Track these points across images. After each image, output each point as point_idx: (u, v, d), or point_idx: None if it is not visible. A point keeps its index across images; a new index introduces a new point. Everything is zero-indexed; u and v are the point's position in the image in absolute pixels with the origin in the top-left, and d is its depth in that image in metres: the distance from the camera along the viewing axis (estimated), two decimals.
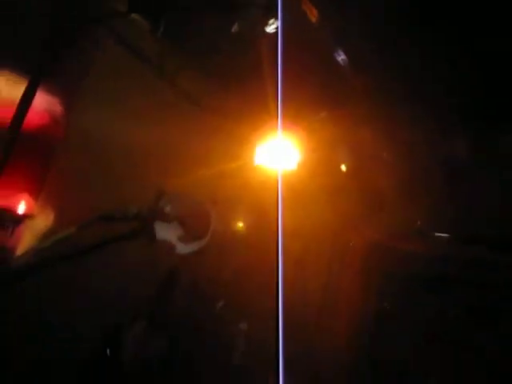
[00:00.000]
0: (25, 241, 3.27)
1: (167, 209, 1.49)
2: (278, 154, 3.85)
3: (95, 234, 1.32)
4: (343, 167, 3.83)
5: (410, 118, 3.72)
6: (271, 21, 2.75)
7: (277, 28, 2.79)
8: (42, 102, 3.26)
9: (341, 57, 3.11)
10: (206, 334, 1.72)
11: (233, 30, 2.78)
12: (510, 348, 2.43)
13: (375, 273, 3.93)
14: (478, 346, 2.74)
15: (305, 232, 4.33)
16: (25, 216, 3.17)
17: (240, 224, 1.78)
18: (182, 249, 1.53)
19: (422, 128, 3.83)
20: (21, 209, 3.16)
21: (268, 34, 2.73)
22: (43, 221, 3.35)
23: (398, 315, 3.72)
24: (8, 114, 3.12)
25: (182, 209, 1.50)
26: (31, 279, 1.15)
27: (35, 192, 3.27)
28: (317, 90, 3.64)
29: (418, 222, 3.84)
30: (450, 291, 3.61)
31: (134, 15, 3.31)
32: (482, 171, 3.71)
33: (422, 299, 3.66)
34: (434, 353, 3.55)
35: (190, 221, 1.55)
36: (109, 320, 3.16)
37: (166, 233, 1.52)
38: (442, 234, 3.78)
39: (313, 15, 2.86)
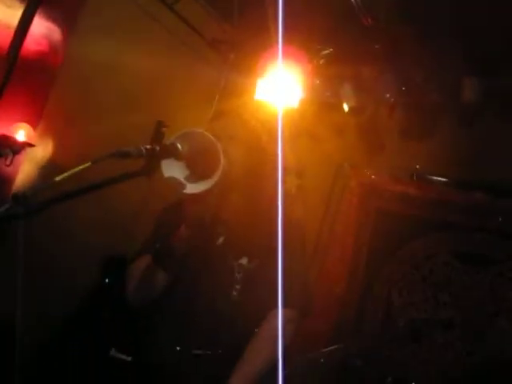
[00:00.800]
0: (24, 169, 3.26)
1: (179, 145, 1.45)
2: (280, 88, 3.79)
3: (108, 169, 1.30)
4: (345, 106, 3.77)
5: (415, 59, 3.64)
6: None
7: None
8: (41, 27, 3.15)
9: None
10: (207, 271, 1.74)
11: None
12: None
13: (372, 212, 3.98)
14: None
15: (305, 169, 4.34)
16: (24, 144, 3.13)
17: (242, 162, 1.76)
18: (190, 188, 1.51)
19: (425, 68, 3.76)
20: (20, 137, 3.11)
21: None
22: (42, 150, 3.32)
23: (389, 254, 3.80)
24: (5, 39, 3.01)
25: (192, 146, 1.47)
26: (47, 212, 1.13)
27: (35, 121, 3.22)
28: (324, 24, 3.53)
29: (417, 166, 3.85)
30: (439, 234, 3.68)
31: None
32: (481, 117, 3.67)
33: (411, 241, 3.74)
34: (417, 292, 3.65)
35: (200, 159, 1.52)
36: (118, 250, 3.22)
37: (174, 171, 1.49)
38: (441, 178, 3.80)
39: None
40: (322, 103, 3.96)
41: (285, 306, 1.72)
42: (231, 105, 2.19)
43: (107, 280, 3.48)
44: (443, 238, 3.63)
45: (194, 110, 4.04)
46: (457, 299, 3.50)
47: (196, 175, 1.56)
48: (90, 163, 1.22)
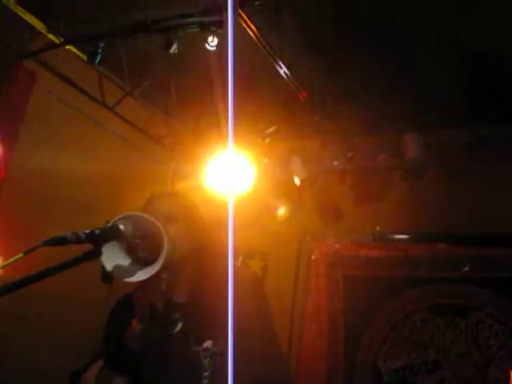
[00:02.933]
0: None
1: (122, 226, 1.39)
2: (230, 173, 3.81)
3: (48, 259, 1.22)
4: (296, 180, 3.81)
5: (354, 122, 3.75)
6: (210, 38, 2.72)
7: (217, 45, 2.77)
8: None
9: (283, 69, 3.12)
10: (170, 364, 1.62)
11: (171, 51, 2.73)
12: None
13: (340, 280, 3.91)
14: None
15: (268, 250, 4.29)
16: None
17: (184, 241, 1.70)
18: (136, 275, 1.43)
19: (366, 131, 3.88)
20: None
21: (209, 51, 2.70)
22: None
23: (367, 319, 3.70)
24: None
25: (133, 229, 1.41)
26: None
27: None
28: (264, 104, 3.63)
29: (377, 228, 3.86)
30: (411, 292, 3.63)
31: (69, 47, 3.22)
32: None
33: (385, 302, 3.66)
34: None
35: (141, 244, 1.45)
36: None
37: (116, 260, 1.42)
38: (402, 236, 3.81)
39: (252, 31, 2.85)
40: (274, 180, 3.99)
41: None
42: (165, 188, 2.16)
43: None
44: (416, 294, 3.58)
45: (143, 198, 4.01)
46: (444, 356, 3.39)
47: (139, 262, 1.48)
48: (21, 254, 1.15)
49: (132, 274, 1.46)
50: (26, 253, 1.14)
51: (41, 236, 3.53)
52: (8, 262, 1.12)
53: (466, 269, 3.45)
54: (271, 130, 3.88)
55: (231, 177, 3.76)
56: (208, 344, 1.65)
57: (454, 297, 3.47)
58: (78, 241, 1.24)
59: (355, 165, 3.89)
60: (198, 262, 1.71)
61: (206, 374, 1.61)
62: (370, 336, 3.63)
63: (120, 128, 3.88)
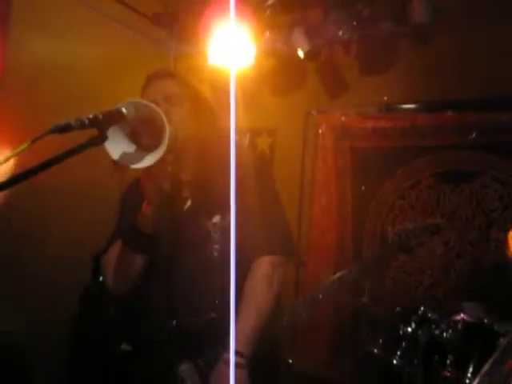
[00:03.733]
0: None
1: (124, 110, 1.38)
2: (232, 47, 3.69)
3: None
4: (300, 52, 3.69)
5: None
6: None
7: None
8: None
9: None
10: (182, 239, 1.69)
11: None
12: None
13: (348, 152, 3.94)
14: None
15: (275, 126, 4.28)
16: None
17: (187, 121, 1.69)
18: (142, 162, 1.44)
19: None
20: None
21: None
22: None
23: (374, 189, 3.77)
24: None
25: (136, 113, 1.40)
26: None
27: None
28: None
29: (385, 98, 3.80)
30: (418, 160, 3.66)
31: None
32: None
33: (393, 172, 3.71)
34: None
35: (144, 130, 1.45)
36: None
37: (120, 148, 1.43)
38: (409, 105, 3.76)
39: None
40: (277, 54, 3.87)
41: (269, 253, 1.70)
42: (164, 68, 2.10)
43: (101, 278, 3.41)
44: (423, 163, 3.61)
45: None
46: (449, 220, 3.50)
47: (144, 148, 1.49)
48: (29, 142, 1.15)
49: (138, 160, 1.48)
50: (33, 141, 1.14)
51: (42, 128, 3.55)
52: (17, 151, 1.13)
53: (474, 135, 3.43)
54: (271, 1, 3.69)
55: (233, 51, 3.66)
56: (216, 219, 1.72)
57: (461, 163, 3.50)
58: (83, 126, 1.24)
59: (360, 34, 3.74)
60: (203, 140, 1.72)
61: (216, 246, 1.70)
62: (377, 205, 3.73)
63: (116, 12, 3.71)
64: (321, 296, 2.31)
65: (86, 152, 1.27)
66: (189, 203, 1.75)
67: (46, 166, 1.17)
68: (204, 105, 1.75)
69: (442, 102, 3.60)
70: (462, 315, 2.46)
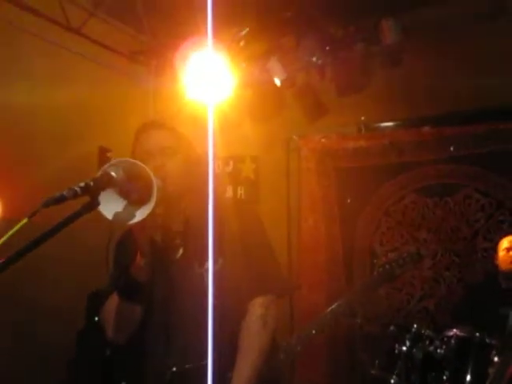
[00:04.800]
0: None
1: (113, 173, 1.44)
2: (209, 81, 3.76)
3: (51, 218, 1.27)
4: (277, 80, 3.77)
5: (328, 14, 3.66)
6: None
7: None
8: None
9: None
10: (177, 287, 1.73)
11: None
12: None
13: (332, 173, 4.01)
14: None
15: (258, 152, 4.35)
16: None
17: (177, 171, 1.75)
18: (135, 217, 1.49)
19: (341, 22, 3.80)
20: None
21: None
22: None
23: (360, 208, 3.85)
24: None
25: (124, 173, 1.45)
26: None
27: None
28: (234, 6, 3.51)
29: (362, 118, 3.89)
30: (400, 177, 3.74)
31: None
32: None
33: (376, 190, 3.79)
34: None
35: (132, 186, 1.50)
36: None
37: (112, 206, 1.47)
38: (387, 123, 3.85)
39: None
40: (254, 84, 3.95)
41: (261, 293, 1.75)
42: (154, 118, 2.16)
43: (96, 318, 3.44)
44: (405, 179, 3.70)
45: (133, 126, 4.00)
46: (435, 232, 3.58)
47: (133, 203, 1.54)
48: (26, 219, 1.20)
49: (131, 217, 1.52)
50: (30, 216, 1.19)
51: (26, 172, 3.55)
52: (14, 229, 1.17)
53: (452, 148, 3.53)
54: (244, 31, 3.78)
55: (210, 85, 3.73)
56: (208, 265, 1.76)
57: (442, 177, 3.60)
58: (75, 195, 1.28)
59: (334, 57, 3.84)
60: (194, 191, 1.77)
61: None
62: (364, 223, 3.81)
63: (92, 52, 3.78)
64: (314, 332, 2.36)
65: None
66: (181, 251, 1.80)
67: (44, 237, 1.21)
68: (195, 156, 1.80)
69: (419, 119, 3.70)
70: (454, 330, 2.52)
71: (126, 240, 1.82)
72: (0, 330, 3.07)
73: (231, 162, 4.39)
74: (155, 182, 1.51)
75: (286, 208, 4.11)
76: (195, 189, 1.76)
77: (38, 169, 3.44)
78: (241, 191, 4.34)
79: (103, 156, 3.98)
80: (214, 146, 1.51)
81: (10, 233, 1.17)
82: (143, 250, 1.65)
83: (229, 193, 4.31)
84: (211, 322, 1.40)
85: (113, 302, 1.75)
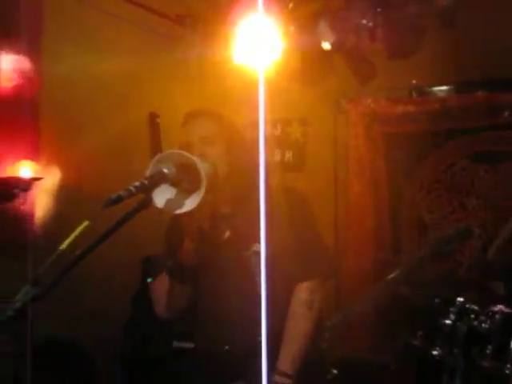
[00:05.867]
0: (40, 202, 3.34)
1: (165, 170, 1.50)
2: (257, 45, 3.73)
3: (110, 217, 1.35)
4: (325, 44, 3.70)
5: None
6: None
7: None
8: (7, 62, 3.15)
9: None
10: (225, 268, 1.81)
11: None
12: None
13: (379, 138, 3.97)
14: None
15: (306, 115, 4.33)
16: (32, 180, 3.20)
17: (223, 159, 1.79)
18: (184, 206, 1.55)
19: None
20: (25, 174, 3.18)
21: None
22: (50, 179, 3.39)
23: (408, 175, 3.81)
24: None
25: (174, 167, 1.51)
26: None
27: (34, 153, 3.28)
28: None
29: (414, 81, 3.79)
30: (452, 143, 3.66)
31: None
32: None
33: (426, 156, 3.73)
34: None
35: (182, 176, 1.55)
36: None
37: (162, 196, 1.53)
38: (439, 87, 3.75)
39: None
40: (303, 47, 3.89)
41: (307, 278, 1.81)
42: (201, 107, 2.19)
43: (149, 279, 3.60)
44: (455, 145, 3.63)
45: (180, 91, 4.05)
46: (485, 200, 3.53)
47: (183, 191, 1.59)
48: (87, 222, 1.28)
49: (180, 206, 1.59)
50: (91, 220, 1.26)
51: (80, 140, 3.67)
52: (76, 231, 1.25)
53: (506, 114, 3.42)
54: None
55: (259, 49, 3.69)
56: (256, 247, 1.83)
57: (494, 143, 3.50)
58: (131, 195, 1.35)
59: (385, 18, 3.71)
60: (240, 176, 1.81)
61: (256, 272, 1.81)
62: (413, 190, 3.78)
63: (138, 17, 3.80)
64: (359, 310, 2.41)
65: None
66: (227, 234, 1.87)
67: (104, 237, 1.29)
68: (239, 141, 1.84)
69: (472, 83, 3.58)
70: (499, 306, 2.53)
71: (174, 225, 1.90)
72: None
73: (279, 126, 4.38)
74: (203, 171, 1.56)
75: (332, 172, 4.11)
76: (241, 172, 1.81)
77: (91, 136, 3.55)
78: (288, 155, 4.35)
79: (153, 121, 4.06)
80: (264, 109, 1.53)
81: (73, 235, 1.25)
82: (191, 235, 1.72)
83: (277, 156, 4.34)
84: (264, 300, 1.47)
85: (162, 280, 1.84)
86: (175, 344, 3.40)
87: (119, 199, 1.31)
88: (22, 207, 3.14)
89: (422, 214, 3.70)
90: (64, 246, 1.22)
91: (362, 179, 3.93)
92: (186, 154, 1.59)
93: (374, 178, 3.89)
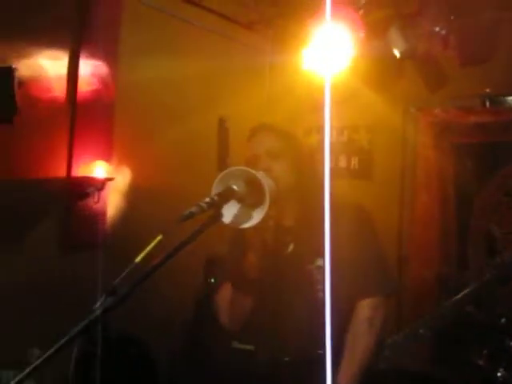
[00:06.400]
0: (112, 202, 3.50)
1: (235, 187, 1.54)
2: (329, 51, 3.72)
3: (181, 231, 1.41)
4: (396, 52, 3.65)
5: None
6: None
7: None
8: (87, 67, 3.31)
9: None
10: (287, 281, 1.83)
11: None
12: None
13: (449, 149, 3.87)
14: None
15: (373, 122, 4.28)
16: (105, 180, 3.35)
17: (287, 173, 1.82)
18: (249, 222, 1.58)
19: None
20: (99, 174, 3.33)
21: None
22: (122, 180, 3.54)
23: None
24: (61, 90, 3.21)
25: (243, 183, 1.54)
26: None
27: (108, 154, 3.42)
28: None
29: (487, 90, 3.68)
30: None
31: None
32: None
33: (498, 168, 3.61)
34: None
35: (247, 191, 1.58)
36: None
37: (227, 211, 1.57)
38: None
39: None
40: (373, 54, 3.85)
41: (369, 295, 1.80)
42: (266, 120, 2.21)
43: (212, 280, 3.69)
44: None
45: (248, 96, 4.10)
46: None
47: (248, 206, 1.62)
48: (160, 236, 1.34)
49: (246, 220, 1.62)
50: (165, 234, 1.32)
51: (151, 143, 3.79)
52: (151, 245, 1.31)
53: None
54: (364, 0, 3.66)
55: (328, 56, 3.68)
56: (320, 261, 1.84)
57: None
58: (203, 211, 1.40)
59: (458, 25, 3.62)
60: (305, 190, 1.83)
61: (320, 287, 1.82)
62: (482, 202, 3.66)
63: (211, 23, 3.89)
64: (422, 331, 2.38)
65: None
66: (291, 247, 1.89)
67: (177, 250, 1.34)
68: (305, 156, 1.86)
69: None
70: None
71: (238, 237, 1.93)
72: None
73: (345, 132, 4.36)
74: (267, 187, 1.59)
75: (399, 181, 4.05)
76: (306, 187, 1.82)
77: (162, 138, 3.67)
78: (354, 161, 4.32)
79: (222, 125, 4.15)
80: (330, 116, 1.53)
81: (147, 249, 1.31)
82: (255, 248, 1.76)
83: (342, 163, 4.32)
84: (329, 314, 1.48)
85: (226, 291, 1.89)
86: (235, 345, 3.45)
87: (191, 215, 1.36)
88: (94, 206, 3.30)
89: (491, 228, 3.58)
90: (138, 259, 1.28)
91: (429, 190, 3.85)
92: (251, 171, 1.61)
93: (441, 189, 3.80)
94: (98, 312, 1.16)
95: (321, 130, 1.63)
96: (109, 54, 3.40)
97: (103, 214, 3.38)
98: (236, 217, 1.63)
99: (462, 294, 2.65)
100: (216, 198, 1.46)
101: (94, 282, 2.48)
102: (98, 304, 1.20)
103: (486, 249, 3.58)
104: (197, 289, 3.85)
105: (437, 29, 3.55)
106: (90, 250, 3.06)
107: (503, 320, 2.64)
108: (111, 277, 1.28)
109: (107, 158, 3.39)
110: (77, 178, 3.26)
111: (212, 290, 3.69)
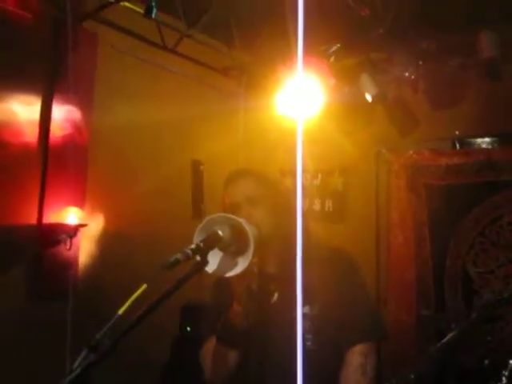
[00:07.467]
0: (84, 248, 3.40)
1: (220, 232, 1.50)
2: (301, 96, 3.77)
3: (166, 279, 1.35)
4: (368, 96, 3.73)
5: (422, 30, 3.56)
6: None
7: None
8: (61, 113, 3.27)
9: None
10: (273, 331, 1.77)
11: None
12: None
13: (422, 190, 3.92)
14: None
15: (346, 166, 4.32)
16: (77, 226, 3.27)
17: (269, 219, 1.79)
18: (233, 270, 1.53)
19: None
20: (72, 220, 3.25)
21: None
22: (95, 226, 3.45)
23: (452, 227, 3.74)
24: (32, 135, 3.15)
25: (229, 230, 1.50)
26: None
27: (80, 200, 3.35)
28: (324, 23, 3.51)
29: (457, 132, 3.77)
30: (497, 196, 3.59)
31: (123, 3, 3.22)
32: None
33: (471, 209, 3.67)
34: None
35: (230, 238, 1.54)
36: None
37: (213, 257, 1.51)
38: (484, 139, 3.71)
39: None
40: (344, 99, 3.93)
41: (359, 341, 1.75)
42: (244, 167, 2.19)
43: (188, 328, 3.59)
44: (501, 198, 3.55)
45: (223, 140, 4.11)
46: None
47: (231, 254, 1.58)
48: (145, 285, 1.28)
49: (231, 268, 1.57)
50: (149, 282, 1.27)
51: (125, 186, 3.72)
52: (135, 294, 1.26)
53: None
54: (335, 48, 3.76)
55: (300, 101, 3.74)
56: (306, 309, 1.79)
57: None
58: (188, 258, 1.35)
59: (427, 70, 3.74)
60: (285, 236, 1.79)
61: (309, 336, 1.77)
62: (457, 243, 3.69)
63: (186, 69, 3.92)
64: (413, 376, 2.32)
65: None
66: (276, 295, 1.83)
67: (160, 300, 1.28)
68: (284, 200, 1.82)
69: None
70: None
71: (220, 286, 1.87)
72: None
73: (320, 175, 4.39)
74: (251, 234, 1.55)
75: (374, 222, 4.07)
76: (286, 233, 1.78)
77: (136, 182, 3.62)
78: (329, 204, 4.34)
79: (196, 169, 4.13)
80: (303, 160, 1.51)
81: (132, 298, 1.25)
82: (240, 297, 1.69)
83: (317, 206, 4.33)
84: (300, 368, 1.42)
85: (210, 344, 1.81)
86: None
87: (176, 262, 1.31)
88: (66, 253, 3.20)
89: (467, 268, 3.60)
90: (121, 310, 1.22)
91: (404, 231, 3.87)
92: (234, 217, 1.58)
93: (416, 231, 3.83)
94: (80, 369, 1.09)
95: (295, 173, 1.62)
96: (83, 98, 3.37)
97: (75, 261, 3.28)
98: (220, 265, 1.58)
99: (448, 336, 2.61)
100: (201, 244, 1.41)
101: (64, 332, 2.39)
102: (79, 360, 1.12)
103: (463, 289, 3.59)
104: (172, 338, 3.74)
105: (406, 74, 3.65)
106: (60, 300, 2.94)
107: (487, 361, 2.61)
108: (82, 327, 1.21)
109: (80, 203, 3.32)
110: (48, 225, 3.17)
111: (188, 339, 3.63)
